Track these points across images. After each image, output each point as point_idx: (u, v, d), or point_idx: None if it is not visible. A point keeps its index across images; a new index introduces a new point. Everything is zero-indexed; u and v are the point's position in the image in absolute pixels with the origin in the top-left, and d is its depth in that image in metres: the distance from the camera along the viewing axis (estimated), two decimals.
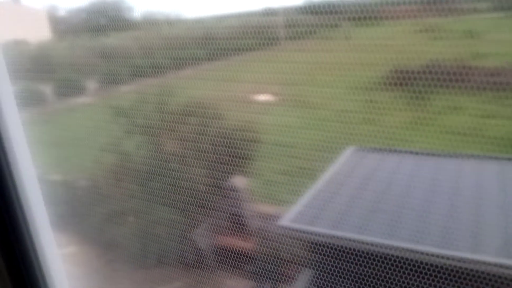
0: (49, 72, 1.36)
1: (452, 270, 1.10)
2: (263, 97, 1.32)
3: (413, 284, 1.08)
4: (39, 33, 1.28)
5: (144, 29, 1.25)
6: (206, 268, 1.61)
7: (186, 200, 1.55)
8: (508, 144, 0.86)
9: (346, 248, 1.23)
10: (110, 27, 1.19)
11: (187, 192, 1.55)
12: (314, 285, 1.36)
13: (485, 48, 0.86)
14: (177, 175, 1.59)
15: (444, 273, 1.08)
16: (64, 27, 1.29)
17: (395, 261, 1.10)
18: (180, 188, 1.58)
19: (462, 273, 1.07)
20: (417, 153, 1.13)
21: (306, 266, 1.45)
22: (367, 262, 1.15)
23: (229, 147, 1.33)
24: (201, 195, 1.53)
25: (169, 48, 1.26)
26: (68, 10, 1.16)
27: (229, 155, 1.35)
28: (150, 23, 1.23)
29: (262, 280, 1.44)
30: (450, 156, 1.05)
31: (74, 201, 1.75)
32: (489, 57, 0.85)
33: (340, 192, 1.47)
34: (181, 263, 1.65)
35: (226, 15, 1.10)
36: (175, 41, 1.22)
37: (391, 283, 1.10)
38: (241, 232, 1.60)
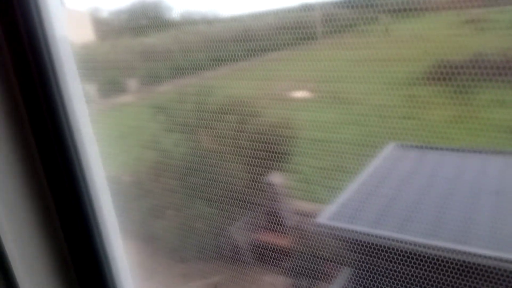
0: (93, 72, 1.42)
1: (498, 272, 1.05)
2: (300, 94, 1.32)
3: (455, 286, 1.04)
4: (82, 34, 1.33)
5: (182, 29, 1.28)
6: (244, 264, 1.63)
7: (224, 195, 1.57)
8: None
9: (386, 247, 1.20)
10: (150, 27, 1.22)
11: (225, 187, 1.57)
12: (353, 284, 1.34)
13: None
14: (216, 171, 1.62)
15: (490, 275, 1.04)
16: (106, 28, 1.34)
17: (437, 261, 1.07)
18: (218, 183, 1.60)
19: (511, 272, 1.02)
20: (460, 150, 1.09)
21: (345, 265, 1.43)
22: (408, 262, 1.13)
23: (266, 143, 1.33)
24: (238, 191, 1.55)
25: (207, 47, 1.28)
26: (110, 11, 1.20)
27: (267, 152, 1.35)
28: (188, 22, 1.25)
29: (300, 277, 1.44)
30: (495, 153, 1.01)
31: (117, 196, 1.81)
32: None
33: (380, 190, 1.44)
34: (219, 258, 1.68)
35: (262, 12, 1.10)
36: (213, 40, 1.24)
37: (433, 284, 1.07)
38: (278, 228, 1.60)
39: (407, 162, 1.36)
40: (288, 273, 1.52)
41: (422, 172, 1.37)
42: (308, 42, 1.07)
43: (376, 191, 1.45)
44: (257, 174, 1.44)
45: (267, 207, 1.72)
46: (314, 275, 1.39)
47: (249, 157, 1.45)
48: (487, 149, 1.01)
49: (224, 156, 1.65)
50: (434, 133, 0.95)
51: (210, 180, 1.64)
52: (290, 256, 1.51)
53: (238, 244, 1.72)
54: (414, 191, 1.34)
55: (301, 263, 1.44)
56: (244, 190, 1.56)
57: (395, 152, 1.27)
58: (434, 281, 1.07)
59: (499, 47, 0.84)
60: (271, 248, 1.58)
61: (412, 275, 1.13)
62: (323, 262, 1.43)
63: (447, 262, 1.06)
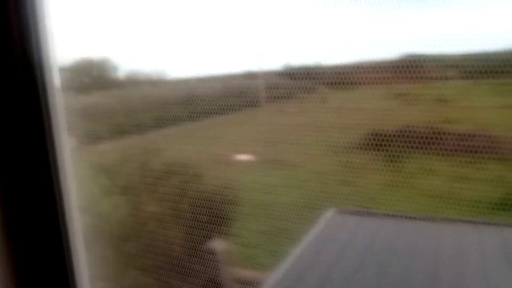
0: None
1: None
2: (243, 157, 1.33)
3: None
4: None
5: (127, 89, 1.28)
6: None
7: (161, 264, 1.49)
8: (482, 207, 0.87)
9: None
10: (94, 86, 1.21)
11: (163, 255, 1.49)
12: None
13: (455, 113, 0.90)
14: (154, 237, 1.54)
15: None
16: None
17: None
18: (156, 251, 1.52)
19: None
20: (395, 216, 1.13)
21: None
22: None
23: (208, 208, 1.31)
24: (177, 259, 1.48)
25: (152, 108, 1.28)
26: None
27: (208, 216, 1.32)
28: (133, 82, 1.26)
29: None
30: (427, 219, 1.06)
31: None
32: (459, 122, 0.89)
33: (321, 257, 1.44)
34: None
35: (208, 77, 1.14)
36: (158, 100, 1.25)
37: None
38: None
39: (346, 229, 1.38)
40: None
41: (361, 239, 1.40)
42: (252, 107, 1.10)
43: (317, 258, 1.44)
44: (198, 240, 1.40)
45: (208, 275, 1.64)
46: None
47: (190, 221, 1.41)
48: (419, 215, 1.06)
49: (164, 221, 1.59)
50: (369, 198, 0.99)
51: (147, 247, 1.56)
52: None
53: None
54: (354, 257, 1.36)
55: None
56: (184, 257, 1.50)
57: (335, 218, 1.29)
58: None
59: (424, 119, 0.92)
60: None
61: None
62: None
63: None
